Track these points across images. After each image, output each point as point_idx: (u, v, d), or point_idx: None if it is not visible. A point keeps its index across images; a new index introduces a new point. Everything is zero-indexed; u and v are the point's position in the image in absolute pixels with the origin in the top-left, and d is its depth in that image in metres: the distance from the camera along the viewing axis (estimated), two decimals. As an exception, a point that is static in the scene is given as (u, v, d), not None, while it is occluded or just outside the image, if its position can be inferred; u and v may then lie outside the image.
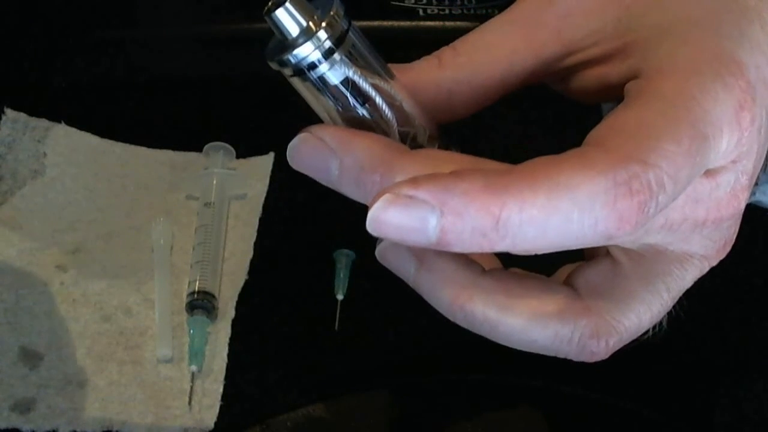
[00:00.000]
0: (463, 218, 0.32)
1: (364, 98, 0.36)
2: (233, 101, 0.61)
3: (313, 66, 0.35)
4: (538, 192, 0.32)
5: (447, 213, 0.32)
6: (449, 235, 0.33)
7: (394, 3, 0.63)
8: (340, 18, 0.35)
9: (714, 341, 0.52)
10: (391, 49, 0.63)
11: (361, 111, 0.36)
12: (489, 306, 0.37)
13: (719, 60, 0.35)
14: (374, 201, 0.33)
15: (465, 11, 0.63)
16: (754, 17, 0.37)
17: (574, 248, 0.34)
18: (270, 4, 0.35)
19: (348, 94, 0.36)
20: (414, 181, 0.33)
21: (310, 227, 0.56)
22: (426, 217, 0.32)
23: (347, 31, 0.35)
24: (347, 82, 0.35)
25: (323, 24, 0.34)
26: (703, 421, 0.50)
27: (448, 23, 0.63)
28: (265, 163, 0.59)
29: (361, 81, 0.36)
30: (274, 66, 0.35)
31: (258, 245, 0.56)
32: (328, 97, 0.36)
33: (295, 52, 0.34)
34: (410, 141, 0.37)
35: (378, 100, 0.36)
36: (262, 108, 0.60)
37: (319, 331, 0.52)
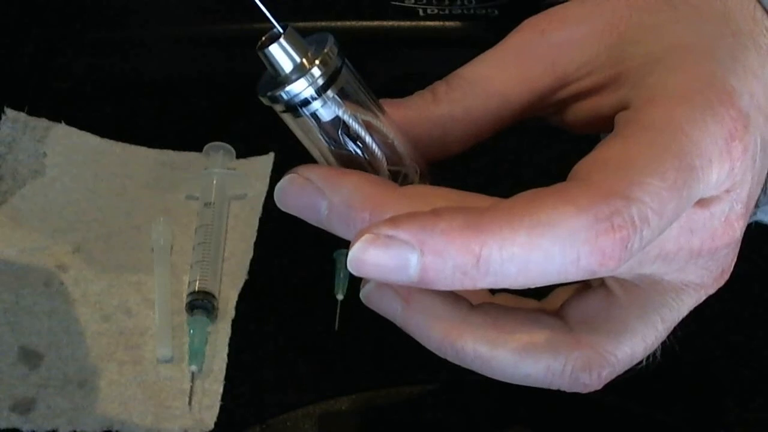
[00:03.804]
0: (443, 257, 0.32)
1: (355, 136, 0.36)
2: (233, 101, 0.61)
3: (305, 103, 0.34)
4: (519, 229, 0.32)
5: (427, 252, 0.32)
6: (430, 274, 0.32)
7: (394, 3, 0.63)
8: (334, 55, 0.34)
9: (719, 343, 0.52)
10: (391, 49, 0.63)
11: (353, 149, 0.36)
12: (479, 342, 0.36)
13: (710, 88, 0.34)
14: (354, 241, 0.33)
15: (465, 11, 0.63)
16: (748, 43, 0.36)
17: (559, 283, 0.33)
18: (263, 39, 0.34)
19: (339, 132, 0.35)
20: (393, 221, 0.33)
21: (310, 227, 0.56)
22: (406, 256, 0.32)
23: (341, 68, 0.35)
24: (339, 120, 0.35)
25: (317, 61, 0.34)
26: (707, 422, 0.50)
27: (448, 23, 0.63)
28: (265, 163, 0.59)
29: (352, 120, 0.35)
30: (265, 101, 0.35)
31: (258, 245, 0.56)
32: (320, 134, 0.35)
33: (288, 88, 0.34)
34: (401, 179, 0.37)
35: (368, 139, 0.36)
36: (262, 108, 0.60)
37: (319, 331, 0.52)
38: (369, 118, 0.36)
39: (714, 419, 0.50)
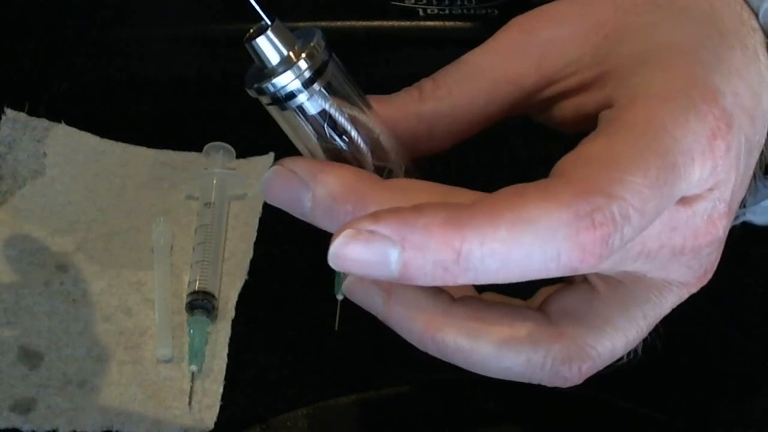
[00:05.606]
0: (424, 252, 0.32)
1: (341, 131, 0.36)
2: (233, 101, 0.61)
3: (291, 96, 0.34)
4: (499, 225, 0.32)
5: (408, 247, 0.32)
6: (411, 270, 0.32)
7: (394, 3, 0.63)
8: (321, 49, 0.34)
9: (715, 343, 0.52)
10: (391, 49, 0.63)
11: (338, 143, 0.36)
12: (460, 335, 0.36)
13: (693, 87, 0.34)
14: (335, 236, 0.33)
15: (465, 11, 0.63)
16: (734, 43, 0.36)
17: (542, 280, 0.33)
18: (251, 31, 0.34)
19: (325, 126, 0.36)
20: (375, 216, 0.33)
21: (310, 227, 0.56)
22: (387, 251, 0.32)
23: (327, 62, 0.35)
24: (324, 113, 0.35)
25: (304, 54, 0.34)
26: (704, 421, 0.50)
27: (448, 23, 0.63)
28: (265, 163, 0.59)
29: (338, 114, 0.35)
30: (252, 93, 0.35)
31: (258, 245, 0.56)
32: (306, 127, 0.36)
33: (274, 80, 0.34)
34: (386, 174, 0.37)
35: (353, 133, 0.36)
36: (262, 108, 0.60)
37: (319, 331, 0.52)
38: (355, 112, 0.36)
39: (711, 419, 0.50)
